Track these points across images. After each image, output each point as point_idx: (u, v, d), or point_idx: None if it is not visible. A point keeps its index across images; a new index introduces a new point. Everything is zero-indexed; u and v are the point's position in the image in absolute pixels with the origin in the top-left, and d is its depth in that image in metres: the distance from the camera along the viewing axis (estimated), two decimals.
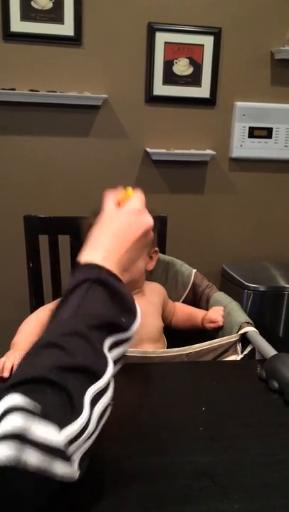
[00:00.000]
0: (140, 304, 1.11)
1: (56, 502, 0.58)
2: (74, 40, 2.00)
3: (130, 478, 0.63)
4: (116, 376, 0.90)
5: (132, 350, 0.97)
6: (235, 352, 1.05)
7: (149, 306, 1.17)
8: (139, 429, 0.74)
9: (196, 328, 1.21)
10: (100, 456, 0.67)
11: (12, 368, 0.88)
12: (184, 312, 1.26)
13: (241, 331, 1.05)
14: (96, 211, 1.12)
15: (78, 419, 0.49)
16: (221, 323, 1.16)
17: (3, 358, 0.91)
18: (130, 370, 0.93)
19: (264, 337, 1.02)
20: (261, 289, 2.06)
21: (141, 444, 0.70)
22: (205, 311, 1.21)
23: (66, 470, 0.48)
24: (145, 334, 1.12)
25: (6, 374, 0.87)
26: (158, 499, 0.59)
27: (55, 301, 1.12)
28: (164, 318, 1.22)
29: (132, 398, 0.85)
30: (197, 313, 1.23)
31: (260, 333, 1.04)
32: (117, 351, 0.59)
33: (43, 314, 1.03)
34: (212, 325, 1.17)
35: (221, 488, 0.61)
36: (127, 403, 0.83)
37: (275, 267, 2.26)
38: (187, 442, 0.71)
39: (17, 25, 1.94)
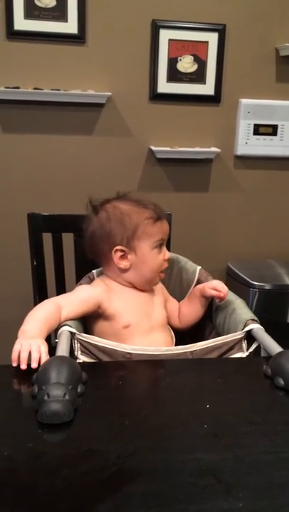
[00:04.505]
0: (148, 295, 1.14)
1: (59, 501, 0.58)
2: (78, 38, 1.99)
3: (133, 475, 0.62)
4: (120, 373, 0.90)
5: (137, 348, 0.96)
6: (241, 349, 1.04)
7: (155, 297, 1.19)
8: (143, 426, 0.73)
9: (198, 303, 1.19)
10: (103, 453, 0.66)
11: (29, 357, 0.86)
12: (184, 300, 1.26)
13: (246, 328, 1.03)
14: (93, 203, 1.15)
15: None
16: (223, 295, 1.14)
17: (17, 346, 0.88)
18: (134, 367, 0.93)
19: (270, 335, 1.00)
20: (267, 288, 2.04)
21: (144, 442, 0.69)
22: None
23: None
24: (155, 322, 1.14)
25: (23, 366, 0.85)
26: (161, 497, 0.59)
27: (61, 295, 1.13)
28: (170, 316, 1.23)
29: (136, 395, 0.84)
30: (194, 290, 1.21)
31: (266, 332, 1.02)
32: None
33: (49, 305, 1.03)
34: (214, 293, 1.14)
35: (225, 487, 0.60)
36: (130, 400, 0.82)
37: (281, 265, 2.25)
38: (191, 440, 0.70)
39: (21, 23, 1.94)
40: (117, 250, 1.11)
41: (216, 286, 1.15)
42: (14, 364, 0.86)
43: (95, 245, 1.15)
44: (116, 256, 1.12)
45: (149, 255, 1.12)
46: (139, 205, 1.13)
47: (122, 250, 1.12)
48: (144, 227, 1.11)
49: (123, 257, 1.12)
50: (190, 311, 1.22)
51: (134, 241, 1.11)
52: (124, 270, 1.13)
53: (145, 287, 1.17)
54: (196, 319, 1.22)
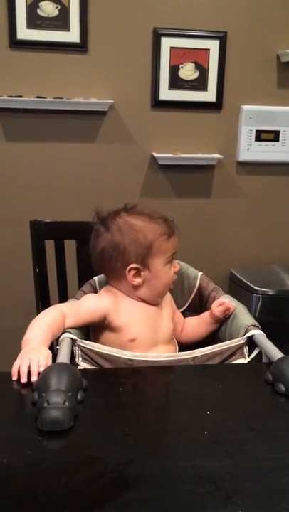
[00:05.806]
0: (156, 309, 1.13)
1: (59, 508, 0.58)
2: (80, 47, 2.01)
3: (133, 482, 0.62)
4: (121, 379, 0.90)
5: (138, 354, 0.96)
6: (242, 355, 1.03)
7: (163, 310, 1.17)
8: (142, 432, 0.73)
9: (207, 328, 1.20)
10: (103, 460, 0.66)
11: (29, 372, 0.86)
12: (192, 318, 1.25)
13: (248, 334, 1.03)
14: (98, 212, 1.14)
15: None
16: (229, 306, 1.14)
17: (17, 361, 0.89)
18: (135, 373, 0.93)
19: (273, 341, 1.00)
20: (270, 293, 2.04)
21: (144, 448, 0.69)
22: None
23: None
24: (161, 336, 1.13)
25: (23, 380, 0.85)
26: (160, 504, 0.58)
27: (68, 301, 1.13)
28: (173, 328, 1.21)
29: (136, 401, 0.84)
30: (205, 315, 1.22)
31: (269, 338, 1.02)
32: None
33: (54, 313, 1.02)
34: (221, 308, 1.15)
35: (225, 493, 0.60)
36: (130, 406, 0.82)
37: (284, 271, 2.24)
38: (191, 446, 0.70)
39: (23, 32, 1.96)
40: (131, 269, 1.09)
41: (220, 301, 1.16)
42: (14, 378, 0.86)
43: (106, 262, 1.11)
44: (130, 274, 1.09)
45: (162, 271, 1.11)
46: (151, 221, 1.11)
47: (135, 268, 1.09)
48: (158, 245, 1.09)
49: (136, 274, 1.10)
50: (196, 331, 1.22)
51: (149, 258, 1.09)
52: (137, 287, 1.11)
53: (156, 301, 1.15)
54: (199, 338, 1.22)
